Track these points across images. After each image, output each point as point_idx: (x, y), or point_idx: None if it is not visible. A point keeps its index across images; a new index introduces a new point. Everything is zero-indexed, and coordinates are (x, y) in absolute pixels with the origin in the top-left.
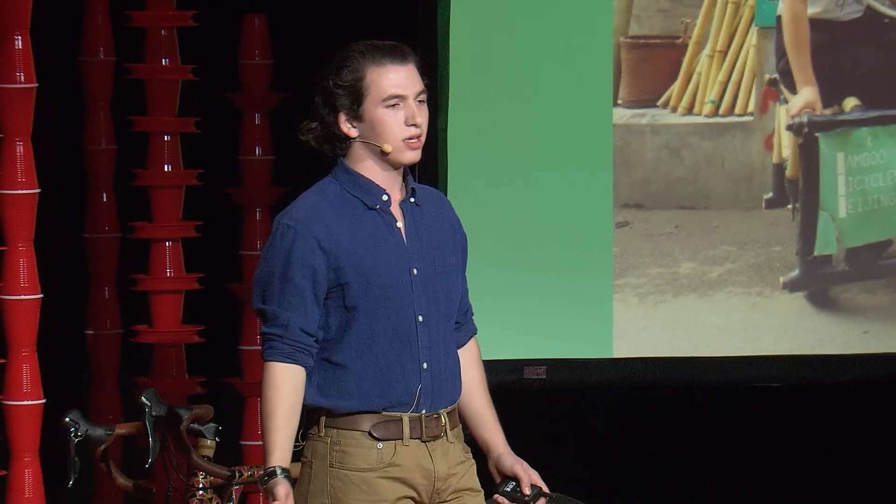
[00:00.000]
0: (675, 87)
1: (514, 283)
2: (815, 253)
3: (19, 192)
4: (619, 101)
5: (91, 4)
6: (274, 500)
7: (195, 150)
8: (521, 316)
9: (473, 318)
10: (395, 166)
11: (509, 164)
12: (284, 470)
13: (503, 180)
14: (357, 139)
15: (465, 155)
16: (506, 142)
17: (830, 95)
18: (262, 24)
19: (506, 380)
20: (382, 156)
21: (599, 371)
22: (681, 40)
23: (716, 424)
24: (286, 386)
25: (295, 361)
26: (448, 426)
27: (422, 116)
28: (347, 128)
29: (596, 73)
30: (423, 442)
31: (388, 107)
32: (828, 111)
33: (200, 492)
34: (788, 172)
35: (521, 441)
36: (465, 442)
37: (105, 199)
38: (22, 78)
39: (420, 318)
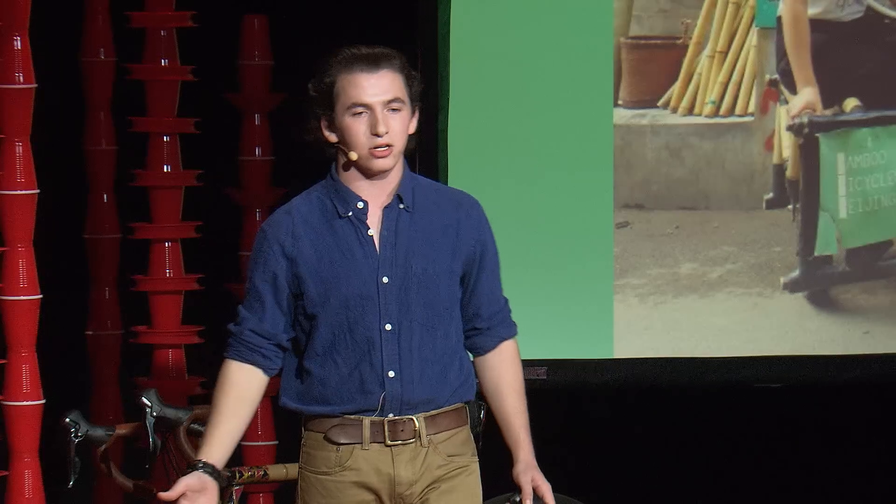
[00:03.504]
0: (676, 88)
1: (514, 283)
2: (816, 253)
3: (19, 192)
4: (620, 102)
5: (91, 5)
6: (172, 489)
7: (195, 151)
8: (522, 316)
9: (506, 322)
10: (367, 175)
11: (509, 165)
12: (207, 465)
13: (503, 181)
14: (336, 145)
15: (465, 155)
16: (506, 142)
17: (831, 96)
18: (262, 25)
19: None
20: (352, 163)
21: (600, 372)
22: (681, 41)
23: (716, 425)
24: (233, 382)
25: (247, 361)
26: (424, 431)
27: (389, 125)
28: (328, 133)
29: (596, 73)
30: (386, 446)
31: (353, 115)
32: (828, 112)
33: None
34: (789, 173)
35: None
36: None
37: (105, 200)
38: (21, 78)
39: (388, 327)
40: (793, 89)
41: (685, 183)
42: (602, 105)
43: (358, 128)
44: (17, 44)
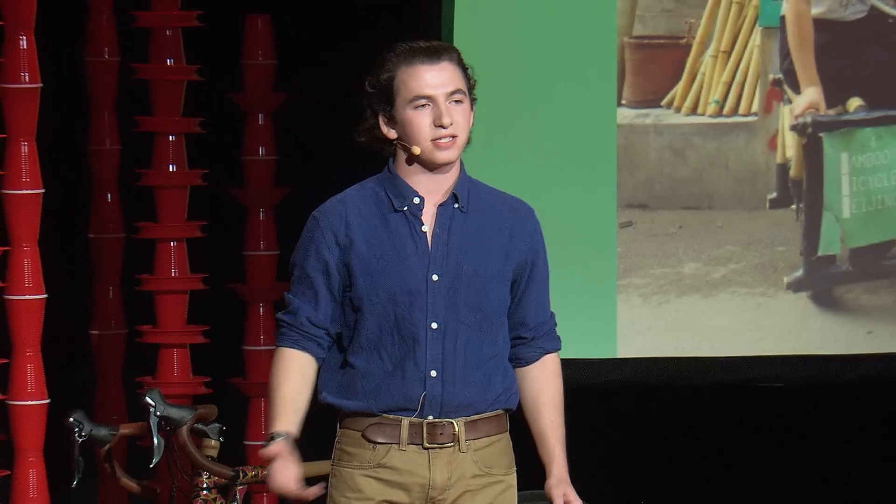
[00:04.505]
0: (679, 88)
1: None
2: (819, 253)
3: (24, 192)
4: (623, 101)
5: (95, 5)
6: (266, 457)
7: (200, 151)
8: None
9: (551, 335)
10: (430, 168)
11: (512, 164)
12: (287, 434)
13: (506, 180)
14: (396, 141)
15: (468, 155)
16: (509, 142)
17: (834, 95)
18: (266, 25)
19: None
20: (415, 157)
21: (603, 371)
22: (685, 40)
23: (720, 425)
24: (291, 368)
25: (303, 349)
26: (464, 436)
27: (452, 116)
28: (386, 130)
29: (600, 73)
30: (423, 448)
31: (416, 108)
32: (832, 111)
33: (204, 492)
34: (792, 172)
35: (523, 441)
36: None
37: (109, 200)
38: (26, 78)
39: (434, 326)
40: (796, 89)
41: (688, 182)
42: (605, 104)
43: (421, 120)
44: (23, 43)
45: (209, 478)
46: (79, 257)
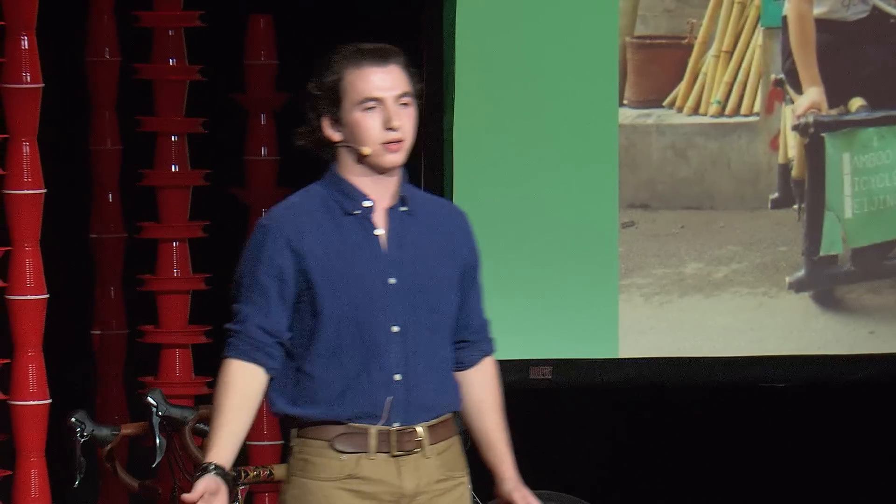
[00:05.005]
0: (681, 88)
1: (519, 283)
2: (821, 253)
3: (25, 192)
4: (625, 102)
5: (97, 5)
6: (193, 491)
7: (202, 151)
8: (527, 316)
9: (489, 337)
10: (378, 171)
11: (514, 164)
12: (218, 467)
13: (508, 180)
14: (341, 143)
15: (470, 155)
16: (511, 141)
17: (836, 96)
18: (268, 25)
19: (511, 380)
20: (363, 159)
21: (605, 371)
22: (686, 40)
23: (721, 425)
24: (236, 384)
25: (251, 360)
26: (427, 441)
27: (401, 119)
28: (331, 132)
29: (601, 73)
30: (392, 456)
31: (365, 109)
32: (834, 111)
33: None
34: (794, 172)
35: (526, 441)
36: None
37: (111, 200)
38: (28, 78)
39: (395, 329)
40: (798, 89)
41: (690, 183)
42: (607, 105)
43: (370, 122)
44: (24, 43)
45: None
46: (80, 257)
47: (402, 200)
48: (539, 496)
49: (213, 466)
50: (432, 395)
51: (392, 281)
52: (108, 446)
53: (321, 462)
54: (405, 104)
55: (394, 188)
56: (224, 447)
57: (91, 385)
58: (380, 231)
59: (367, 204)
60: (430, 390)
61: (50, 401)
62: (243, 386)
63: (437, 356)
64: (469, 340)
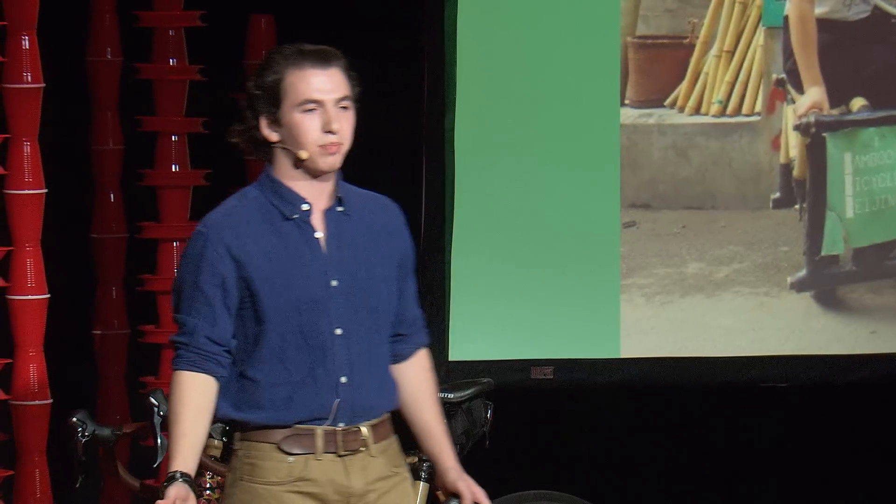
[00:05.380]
0: (683, 88)
1: (521, 283)
2: (823, 253)
3: (26, 192)
4: (627, 101)
5: (98, 5)
6: (165, 498)
7: (203, 151)
8: (529, 316)
9: (423, 329)
10: (314, 174)
11: (516, 164)
12: (185, 475)
13: (510, 180)
14: (278, 144)
15: (471, 155)
16: (512, 142)
17: (838, 95)
18: (269, 25)
19: (513, 380)
20: (300, 162)
21: (606, 371)
22: (688, 40)
23: (723, 425)
24: (191, 394)
25: (202, 370)
26: (371, 440)
27: (340, 123)
28: (268, 132)
29: (603, 73)
30: (339, 456)
31: (304, 111)
32: (835, 111)
33: (207, 491)
34: (796, 172)
35: (527, 441)
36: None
37: (112, 200)
38: (29, 78)
39: (338, 332)
40: (800, 89)
41: (692, 182)
42: (609, 104)
43: (309, 124)
44: (26, 43)
45: (212, 477)
46: (81, 257)
47: (339, 201)
48: (539, 496)
49: (180, 474)
50: (375, 396)
51: (334, 283)
52: (110, 446)
53: (269, 465)
54: (344, 107)
55: (330, 189)
56: (188, 456)
57: (92, 385)
58: (319, 234)
59: (304, 207)
60: (372, 390)
61: (51, 401)
62: (199, 397)
63: (377, 356)
64: (404, 334)
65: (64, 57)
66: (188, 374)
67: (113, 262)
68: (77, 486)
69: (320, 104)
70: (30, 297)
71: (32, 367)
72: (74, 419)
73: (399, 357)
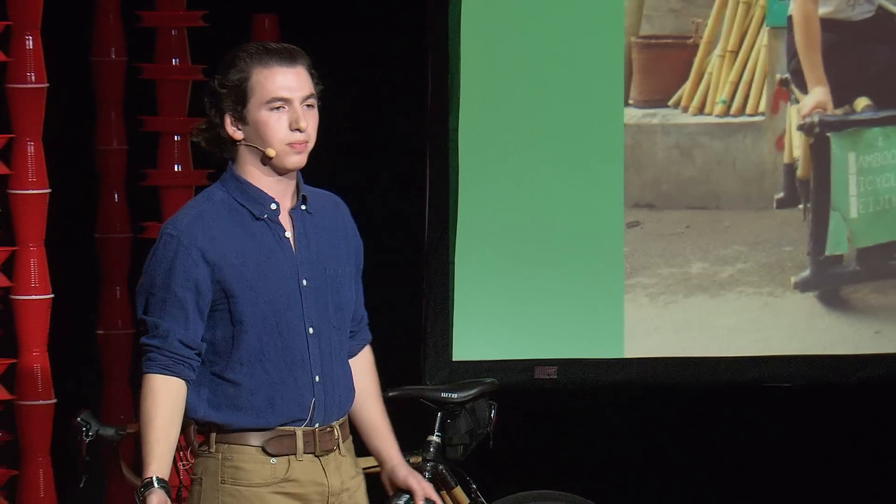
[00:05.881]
0: (686, 87)
1: (524, 283)
2: (827, 253)
3: (30, 192)
4: (630, 101)
5: (102, 5)
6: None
7: (205, 151)
8: (532, 316)
9: (367, 326)
10: (279, 172)
11: (520, 164)
12: (161, 480)
13: (513, 180)
14: (242, 142)
15: (475, 155)
16: (516, 141)
17: (842, 95)
18: (272, 25)
19: (517, 380)
20: (267, 160)
21: (610, 371)
22: (692, 40)
23: (727, 424)
24: (164, 398)
25: (174, 374)
26: (340, 439)
27: (307, 121)
28: (233, 130)
29: (607, 72)
30: (316, 456)
31: (271, 109)
32: (839, 111)
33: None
34: (799, 172)
35: (530, 441)
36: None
37: (116, 199)
38: (33, 78)
39: (311, 330)
40: (803, 89)
41: (696, 182)
42: (612, 104)
43: (276, 122)
44: (29, 43)
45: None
46: (85, 257)
47: (304, 199)
48: (543, 496)
49: (157, 480)
50: (344, 393)
51: (305, 282)
52: (114, 446)
53: (253, 468)
54: (310, 105)
55: (293, 188)
56: (163, 461)
57: (96, 385)
58: (289, 233)
59: (273, 207)
60: (342, 387)
61: (55, 400)
62: (172, 401)
63: (343, 353)
64: (354, 331)
65: (67, 57)
66: (161, 378)
67: (117, 261)
68: (81, 485)
69: (287, 102)
70: (33, 296)
71: (36, 367)
72: (78, 419)
73: (349, 354)
